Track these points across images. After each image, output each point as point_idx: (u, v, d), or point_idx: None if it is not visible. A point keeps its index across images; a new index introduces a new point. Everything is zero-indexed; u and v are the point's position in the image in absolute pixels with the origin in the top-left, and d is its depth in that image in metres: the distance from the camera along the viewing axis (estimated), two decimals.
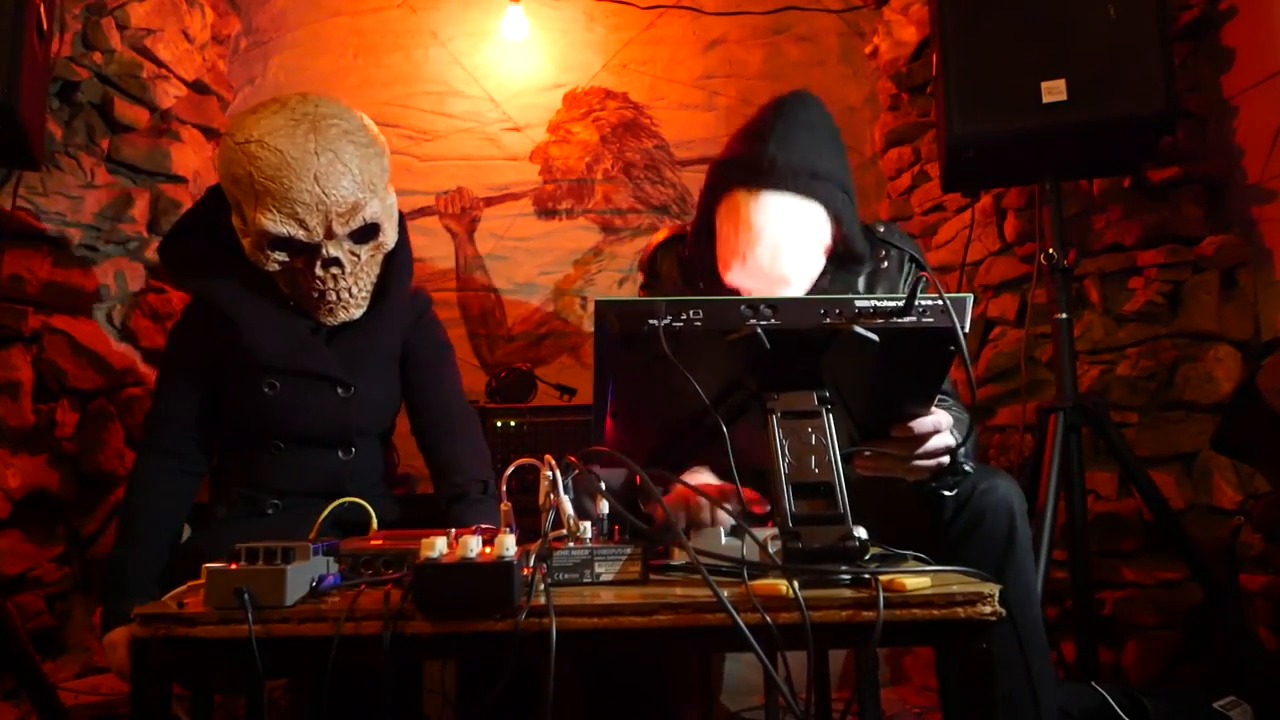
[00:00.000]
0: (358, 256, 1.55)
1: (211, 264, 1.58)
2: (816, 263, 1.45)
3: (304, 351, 1.57)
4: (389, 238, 1.60)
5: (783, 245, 1.39)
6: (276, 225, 1.47)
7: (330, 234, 1.50)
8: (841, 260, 1.49)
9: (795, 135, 1.42)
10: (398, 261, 1.65)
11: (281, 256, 1.51)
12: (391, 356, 1.68)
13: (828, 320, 0.98)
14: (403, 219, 1.67)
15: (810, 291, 1.47)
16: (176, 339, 1.64)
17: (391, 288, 1.64)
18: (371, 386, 1.63)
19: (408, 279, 1.69)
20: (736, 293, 1.44)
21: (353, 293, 1.57)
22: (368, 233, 1.54)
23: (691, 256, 1.56)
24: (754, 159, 1.41)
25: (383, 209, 1.57)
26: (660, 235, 1.67)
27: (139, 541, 1.49)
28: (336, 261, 1.52)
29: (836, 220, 1.43)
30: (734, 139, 1.48)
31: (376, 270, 1.61)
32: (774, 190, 1.39)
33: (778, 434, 0.99)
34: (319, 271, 1.52)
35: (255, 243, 1.51)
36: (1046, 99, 1.76)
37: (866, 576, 0.92)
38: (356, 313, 1.59)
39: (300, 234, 1.48)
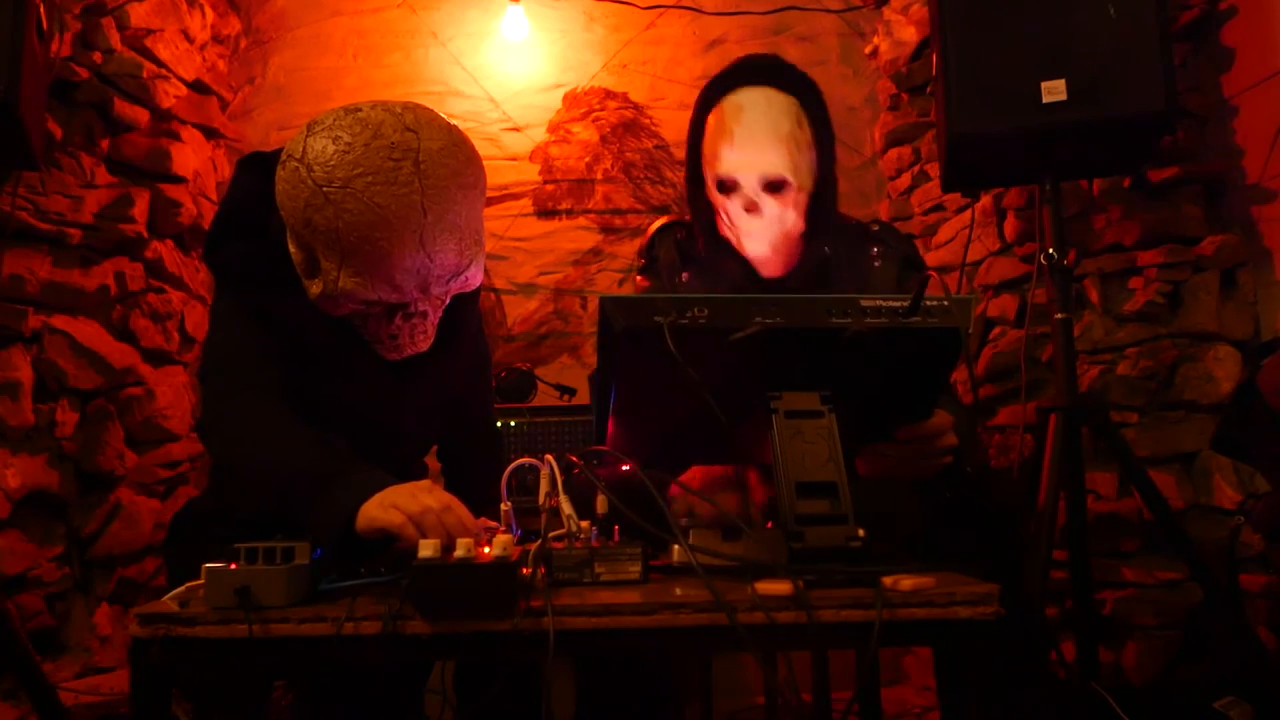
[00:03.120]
0: (443, 302, 1.34)
1: (280, 278, 1.31)
2: (805, 152, 1.52)
3: (382, 414, 1.38)
4: (478, 279, 1.35)
5: (766, 122, 1.49)
6: (366, 290, 1.21)
7: (425, 293, 1.27)
8: (820, 202, 1.55)
9: (763, 58, 1.60)
10: (472, 293, 1.42)
11: (358, 306, 1.27)
12: (451, 389, 1.52)
13: (834, 320, 0.97)
14: None
15: (803, 257, 1.55)
16: (240, 303, 1.36)
17: (461, 317, 1.43)
18: (429, 437, 1.53)
19: (476, 298, 1.50)
20: (727, 182, 1.52)
21: (427, 332, 1.35)
22: (463, 283, 1.33)
23: (685, 239, 1.62)
24: (727, 71, 1.57)
25: (483, 257, 1.32)
26: (660, 220, 1.70)
27: (296, 439, 1.20)
28: (422, 314, 1.31)
29: (811, 121, 1.53)
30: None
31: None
32: (751, 85, 1.53)
33: (781, 434, 0.99)
34: (399, 321, 1.30)
35: (330, 295, 1.24)
36: (1046, 99, 1.75)
37: (867, 576, 0.92)
38: (424, 347, 1.36)
39: (393, 297, 1.24)
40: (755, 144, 1.49)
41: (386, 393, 1.40)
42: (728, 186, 1.52)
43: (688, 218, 1.67)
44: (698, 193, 1.60)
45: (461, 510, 1.10)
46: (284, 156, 1.23)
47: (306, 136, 1.20)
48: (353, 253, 1.18)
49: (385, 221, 1.15)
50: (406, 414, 1.44)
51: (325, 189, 1.15)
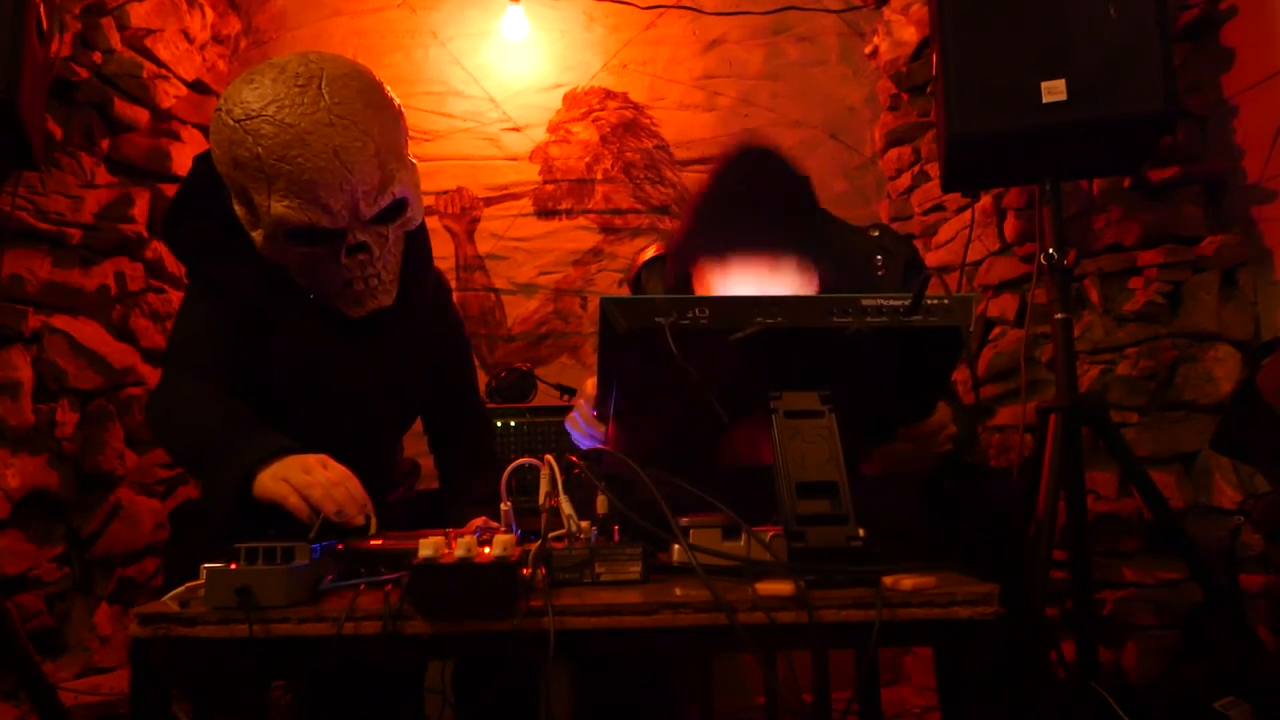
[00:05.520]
0: (385, 238, 1.37)
1: (230, 249, 1.38)
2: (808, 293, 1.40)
3: (345, 372, 1.42)
4: (417, 213, 1.41)
5: None
6: (297, 213, 1.27)
7: (357, 216, 1.31)
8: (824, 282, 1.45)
9: (750, 197, 1.39)
10: (419, 240, 1.48)
11: (302, 247, 1.32)
12: (421, 356, 1.55)
13: (834, 319, 0.97)
14: None
15: None
16: (202, 293, 1.44)
17: (418, 273, 1.48)
18: (402, 409, 1.54)
19: (430, 258, 1.54)
20: None
21: (381, 278, 1.38)
22: (396, 210, 1.36)
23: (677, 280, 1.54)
24: (712, 224, 1.39)
25: (410, 180, 1.38)
26: (647, 253, 1.63)
27: (211, 414, 1.27)
28: (364, 246, 1.33)
29: (813, 258, 1.38)
30: (692, 202, 1.46)
31: (401, 249, 1.43)
32: (740, 253, 1.35)
33: (781, 433, 0.99)
34: (344, 259, 1.33)
35: (270, 234, 1.31)
36: (1046, 99, 1.75)
37: (868, 576, 0.92)
38: (386, 300, 1.41)
39: (324, 220, 1.29)
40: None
41: (348, 355, 1.43)
42: None
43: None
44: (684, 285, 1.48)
45: (354, 485, 1.16)
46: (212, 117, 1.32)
47: (226, 90, 1.31)
48: (276, 175, 1.26)
49: (299, 139, 1.24)
50: (371, 378, 1.45)
51: (243, 123, 1.26)
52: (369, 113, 1.29)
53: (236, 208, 1.35)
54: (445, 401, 1.66)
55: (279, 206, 1.27)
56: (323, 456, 1.20)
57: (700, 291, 1.43)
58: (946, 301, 0.98)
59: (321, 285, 1.38)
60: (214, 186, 1.37)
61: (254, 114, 1.25)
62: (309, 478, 1.15)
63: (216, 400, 1.32)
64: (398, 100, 1.40)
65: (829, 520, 0.95)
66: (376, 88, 1.34)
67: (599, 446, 1.18)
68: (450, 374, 1.65)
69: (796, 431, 0.99)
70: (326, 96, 1.26)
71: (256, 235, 1.34)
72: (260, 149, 1.25)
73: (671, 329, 0.94)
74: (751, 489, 1.07)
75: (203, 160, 1.42)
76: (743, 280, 1.36)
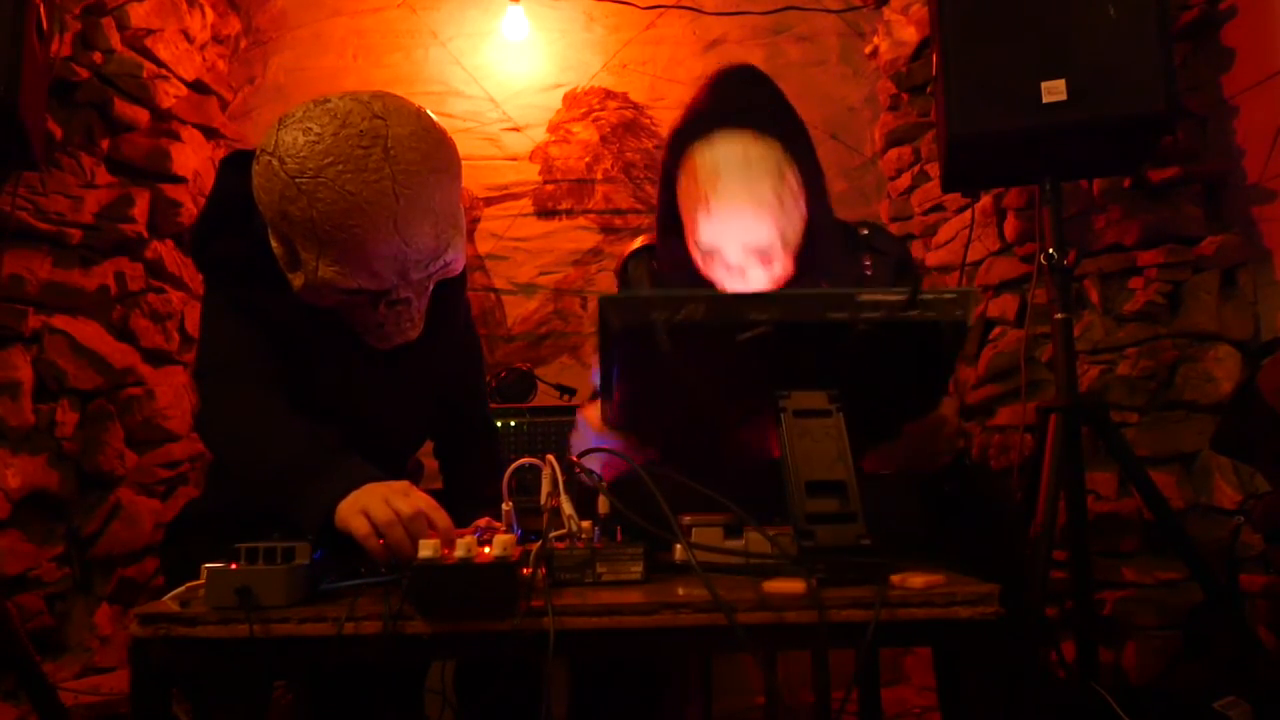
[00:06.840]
0: (426, 289, 1.33)
1: (260, 272, 1.31)
2: (791, 211, 1.37)
3: (369, 396, 1.38)
4: (460, 264, 1.36)
5: (745, 188, 1.33)
6: (346, 279, 1.21)
7: (405, 279, 1.26)
8: (812, 247, 1.42)
9: (736, 86, 1.43)
10: (459, 280, 1.42)
11: (342, 296, 1.26)
12: (443, 380, 1.52)
13: (837, 315, 0.97)
14: None
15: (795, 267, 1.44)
16: (228, 294, 1.36)
17: (451, 304, 1.44)
18: (420, 429, 1.54)
19: (465, 287, 1.50)
20: (711, 253, 1.40)
21: (413, 320, 1.34)
22: (442, 267, 1.32)
23: (660, 265, 1.52)
24: (698, 112, 1.41)
25: (461, 241, 1.32)
26: (634, 244, 1.61)
27: (282, 429, 1.22)
28: (406, 301, 1.30)
29: (797, 163, 1.38)
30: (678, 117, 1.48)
31: (433, 287, 1.37)
32: (725, 129, 1.36)
33: (789, 433, 0.99)
34: (383, 310, 1.29)
35: (312, 285, 1.25)
36: (1046, 99, 1.75)
37: (879, 574, 0.92)
38: (412, 335, 1.35)
39: (371, 284, 1.24)
40: (735, 215, 1.34)
41: (377, 383, 1.40)
42: (708, 252, 1.40)
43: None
44: (670, 239, 1.47)
45: (436, 515, 1.09)
46: (258, 152, 1.24)
47: (278, 130, 1.21)
48: (329, 242, 1.19)
49: (359, 209, 1.16)
50: (398, 404, 1.43)
51: (298, 180, 1.16)
52: (433, 179, 1.21)
53: (274, 242, 1.28)
54: (460, 419, 1.65)
55: (328, 271, 1.21)
56: (405, 484, 1.13)
57: (687, 200, 1.39)
58: (950, 296, 0.98)
59: (350, 320, 1.33)
60: (246, 200, 1.28)
61: (310, 172, 1.16)
62: (389, 513, 1.07)
63: (285, 416, 1.27)
64: (457, 152, 1.31)
65: (837, 519, 0.95)
66: (442, 145, 1.25)
67: (601, 446, 1.17)
68: (467, 393, 1.64)
69: (805, 431, 0.98)
70: (391, 163, 1.17)
71: (293, 278, 1.27)
72: (315, 213, 1.17)
73: (667, 326, 0.94)
74: (752, 486, 1.07)
75: (231, 170, 1.36)
76: (729, 179, 1.33)
